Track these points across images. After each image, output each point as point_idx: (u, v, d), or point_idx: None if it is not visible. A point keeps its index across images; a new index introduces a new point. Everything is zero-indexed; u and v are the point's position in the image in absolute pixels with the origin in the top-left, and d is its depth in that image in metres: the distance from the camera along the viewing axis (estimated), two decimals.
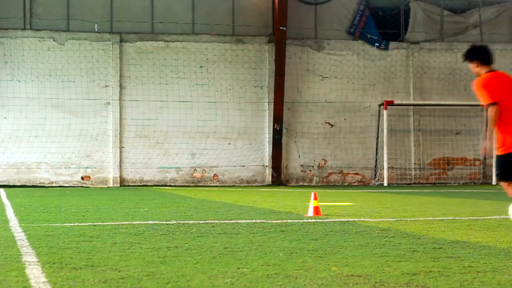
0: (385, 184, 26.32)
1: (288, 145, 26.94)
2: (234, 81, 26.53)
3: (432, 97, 27.82)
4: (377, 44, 27.49)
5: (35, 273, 4.80)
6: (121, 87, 25.81)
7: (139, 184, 25.84)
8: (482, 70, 8.09)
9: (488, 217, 9.87)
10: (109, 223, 8.88)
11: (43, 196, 17.31)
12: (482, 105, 8.01)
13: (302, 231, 7.77)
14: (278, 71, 26.18)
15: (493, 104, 7.81)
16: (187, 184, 26.10)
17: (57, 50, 25.48)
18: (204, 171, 26.25)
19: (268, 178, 26.67)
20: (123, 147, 25.87)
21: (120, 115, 25.78)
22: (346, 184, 27.26)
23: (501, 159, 7.95)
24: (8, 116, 25.20)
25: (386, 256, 5.73)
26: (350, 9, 27.53)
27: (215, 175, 26.19)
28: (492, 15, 28.62)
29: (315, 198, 10.17)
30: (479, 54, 8.12)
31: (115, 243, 6.64)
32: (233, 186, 25.54)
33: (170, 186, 25.55)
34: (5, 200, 14.86)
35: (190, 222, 9.13)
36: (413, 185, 26.97)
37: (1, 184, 24.83)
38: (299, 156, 27.05)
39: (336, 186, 26.40)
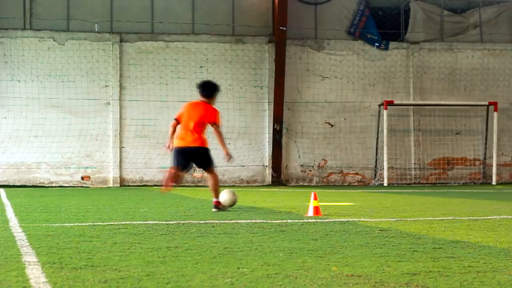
0: (385, 184, 26.32)
1: (288, 145, 26.95)
2: (234, 81, 26.53)
3: (432, 97, 27.82)
4: (377, 44, 27.49)
5: (35, 273, 4.81)
6: (121, 87, 25.81)
7: (139, 184, 25.84)
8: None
9: (488, 217, 9.87)
10: (109, 223, 8.88)
11: (43, 196, 17.31)
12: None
13: (302, 231, 7.77)
14: (278, 71, 26.18)
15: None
16: (187, 184, 26.09)
17: (57, 50, 25.49)
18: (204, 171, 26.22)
19: (268, 178, 26.67)
20: (123, 147, 25.88)
21: (120, 115, 25.78)
22: (346, 184, 27.26)
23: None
24: (8, 116, 25.20)
25: (386, 256, 5.73)
26: (350, 9, 27.53)
27: None
28: (492, 15, 28.62)
29: (315, 198, 10.17)
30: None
31: (115, 243, 6.64)
32: (233, 186, 25.54)
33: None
34: (5, 200, 14.86)
35: (190, 222, 9.13)
36: (413, 185, 26.97)
37: (1, 184, 24.83)
38: (299, 156, 27.05)
39: (336, 186, 26.39)
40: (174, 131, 11.55)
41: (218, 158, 14.12)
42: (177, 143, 11.41)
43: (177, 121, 11.48)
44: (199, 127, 11.32)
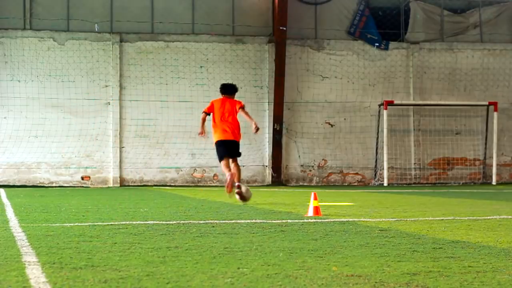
0: (385, 184, 26.32)
1: (288, 145, 26.95)
2: (234, 81, 26.47)
3: (432, 97, 27.83)
4: (377, 44, 27.49)
5: (35, 273, 4.80)
6: (121, 87, 25.82)
7: (139, 184, 25.84)
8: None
9: (488, 217, 9.87)
10: (109, 223, 8.88)
11: (43, 196, 17.31)
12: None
13: (302, 231, 7.77)
14: (278, 71, 26.19)
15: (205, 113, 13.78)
16: (187, 184, 26.10)
17: (57, 50, 25.49)
18: (204, 171, 26.25)
19: (268, 178, 26.66)
20: (123, 147, 25.88)
21: (120, 115, 25.79)
22: (346, 184, 27.27)
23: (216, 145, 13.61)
24: (8, 116, 25.21)
25: (386, 256, 5.73)
26: (350, 9, 27.54)
27: (215, 175, 26.19)
28: (492, 15, 28.62)
29: (315, 198, 10.16)
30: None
31: (115, 243, 6.64)
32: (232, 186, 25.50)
33: (170, 186, 25.56)
34: (5, 200, 14.86)
35: (190, 222, 9.13)
36: (413, 185, 26.97)
37: (1, 184, 24.84)
38: (299, 156, 27.05)
39: (336, 186, 26.39)
40: (204, 120, 13.77)
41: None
42: (219, 136, 13.63)
43: (206, 114, 13.77)
44: (235, 114, 13.84)
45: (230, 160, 13.52)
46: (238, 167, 13.49)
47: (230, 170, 13.32)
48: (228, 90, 14.14)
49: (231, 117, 13.80)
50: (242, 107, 13.88)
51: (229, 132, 13.67)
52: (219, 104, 13.81)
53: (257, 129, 13.97)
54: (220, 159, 13.61)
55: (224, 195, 17.14)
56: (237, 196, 12.84)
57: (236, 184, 12.94)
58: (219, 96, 14.03)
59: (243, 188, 12.93)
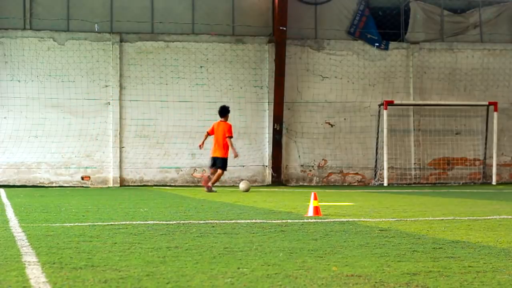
0: (385, 184, 26.32)
1: (288, 145, 26.95)
2: (234, 81, 26.54)
3: (432, 97, 27.82)
4: (377, 44, 27.49)
5: (35, 273, 4.80)
6: (121, 87, 25.82)
7: (139, 184, 25.84)
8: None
9: (488, 217, 9.87)
10: (109, 223, 8.88)
11: (43, 196, 17.31)
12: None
13: (302, 231, 7.77)
14: (278, 71, 26.18)
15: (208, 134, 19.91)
16: (187, 184, 26.10)
17: (57, 50, 25.49)
18: (204, 171, 26.23)
19: (268, 178, 26.66)
20: (123, 147, 25.88)
21: (120, 115, 25.78)
22: (346, 184, 27.27)
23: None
24: (8, 116, 25.21)
25: (386, 256, 5.73)
26: (350, 9, 27.54)
27: None
28: (492, 15, 28.62)
29: (315, 198, 10.16)
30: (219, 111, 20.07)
31: (115, 243, 6.64)
32: (233, 186, 25.54)
33: (170, 186, 25.56)
34: (5, 200, 14.86)
35: (190, 222, 9.13)
36: (413, 185, 26.97)
37: (1, 184, 24.84)
38: (299, 156, 27.05)
39: (336, 186, 26.39)
40: (206, 138, 19.98)
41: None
42: (212, 153, 19.80)
43: (208, 133, 19.84)
44: (224, 140, 19.48)
45: (212, 170, 19.70)
46: (217, 173, 19.54)
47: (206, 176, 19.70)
48: (224, 113, 19.81)
49: (222, 139, 19.49)
50: (229, 137, 19.48)
51: (217, 151, 19.61)
52: (216, 127, 19.67)
53: (235, 156, 19.75)
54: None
55: (223, 196, 17.17)
56: (205, 189, 19.29)
57: (209, 184, 19.36)
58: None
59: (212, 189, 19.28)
